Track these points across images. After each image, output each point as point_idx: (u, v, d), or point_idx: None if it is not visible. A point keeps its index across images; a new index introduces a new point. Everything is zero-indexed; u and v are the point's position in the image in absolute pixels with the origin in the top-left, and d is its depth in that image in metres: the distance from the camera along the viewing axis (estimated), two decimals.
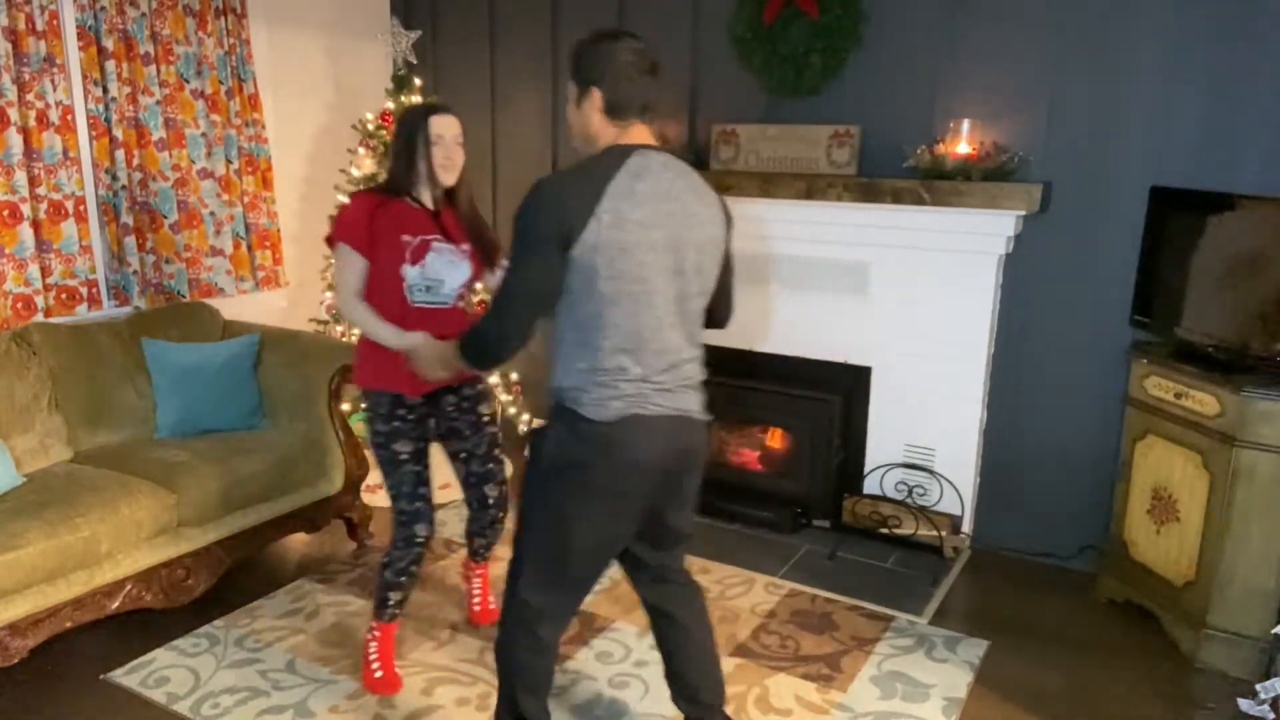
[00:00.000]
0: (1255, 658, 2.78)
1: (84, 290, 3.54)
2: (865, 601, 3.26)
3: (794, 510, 3.84)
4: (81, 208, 3.51)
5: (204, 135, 3.88)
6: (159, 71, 3.69)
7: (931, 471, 3.71)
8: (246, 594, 3.24)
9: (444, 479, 4.17)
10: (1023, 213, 3.34)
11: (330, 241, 2.62)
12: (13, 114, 3.26)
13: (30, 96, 3.31)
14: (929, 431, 3.70)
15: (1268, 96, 3.00)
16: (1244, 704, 2.60)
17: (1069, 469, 3.50)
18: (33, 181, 3.35)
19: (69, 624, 2.75)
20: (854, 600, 3.27)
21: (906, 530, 3.62)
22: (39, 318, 3.39)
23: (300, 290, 4.41)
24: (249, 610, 3.15)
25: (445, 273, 2.59)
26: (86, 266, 3.54)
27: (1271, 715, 2.49)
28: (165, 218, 3.77)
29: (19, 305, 3.34)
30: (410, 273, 2.54)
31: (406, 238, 2.53)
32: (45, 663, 2.81)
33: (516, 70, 4.50)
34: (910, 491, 3.73)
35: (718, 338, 4.04)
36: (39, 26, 3.30)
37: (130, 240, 3.65)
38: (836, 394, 3.80)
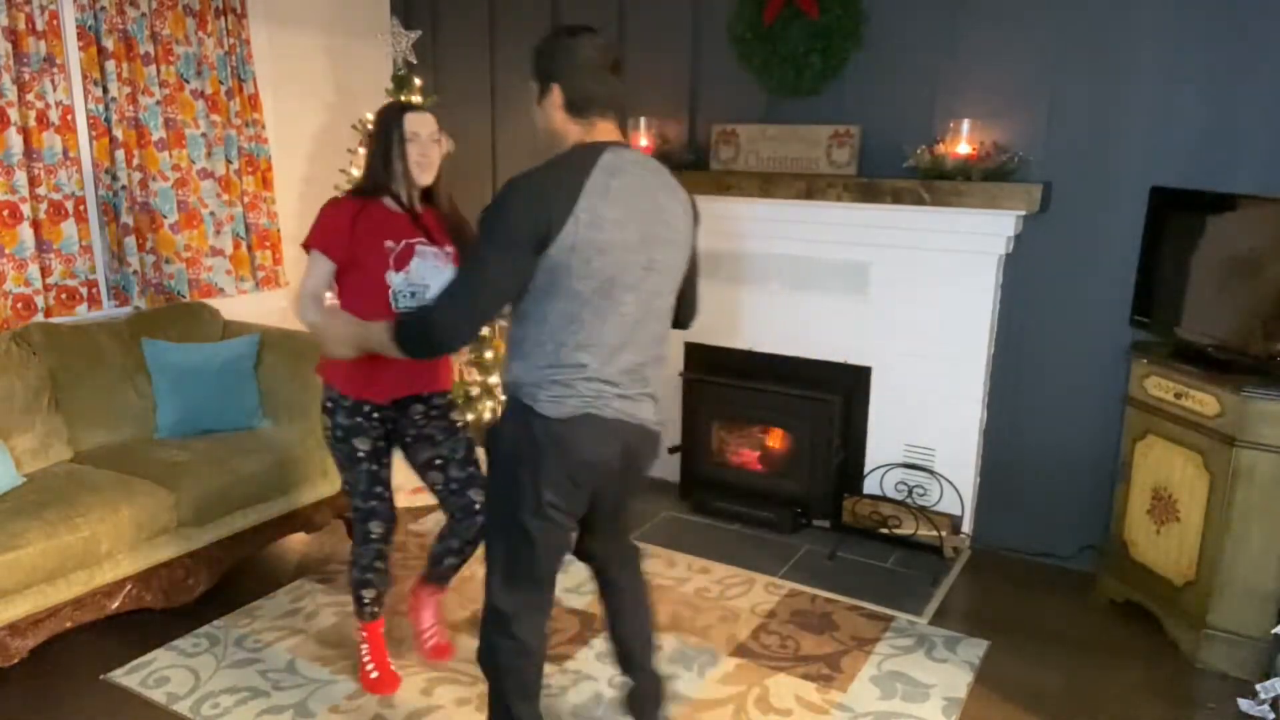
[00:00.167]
0: (1255, 658, 2.78)
1: (84, 290, 3.54)
2: (865, 601, 3.26)
3: (794, 510, 3.84)
4: (81, 208, 3.51)
5: (204, 135, 3.88)
6: (159, 71, 3.69)
7: (931, 471, 3.71)
8: (246, 594, 3.24)
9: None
10: (1023, 213, 3.34)
11: (306, 246, 2.53)
12: (13, 114, 3.26)
13: (30, 96, 3.31)
14: (929, 431, 3.70)
15: (1268, 96, 3.00)
16: (1244, 704, 2.60)
17: (1069, 469, 3.50)
18: (33, 181, 3.35)
19: (69, 624, 2.75)
20: (854, 600, 3.27)
21: (906, 530, 3.62)
22: (39, 318, 3.39)
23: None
24: (249, 610, 3.15)
25: (430, 277, 2.52)
26: (86, 266, 3.54)
27: (1271, 715, 2.49)
28: (165, 218, 3.77)
29: (19, 305, 3.34)
30: (395, 279, 2.48)
31: (389, 243, 2.47)
32: (45, 663, 2.81)
33: (516, 70, 4.50)
34: (910, 491, 3.73)
35: (718, 338, 4.07)
36: (39, 26, 3.30)
37: (130, 240, 3.65)
38: (836, 394, 3.80)
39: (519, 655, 2.10)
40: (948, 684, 2.79)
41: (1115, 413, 3.30)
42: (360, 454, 2.57)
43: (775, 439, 4.02)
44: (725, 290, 4.01)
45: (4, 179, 3.26)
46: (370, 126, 2.53)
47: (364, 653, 2.76)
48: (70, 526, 2.68)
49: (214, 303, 3.88)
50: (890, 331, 3.70)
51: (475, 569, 3.45)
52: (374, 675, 2.73)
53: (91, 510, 2.75)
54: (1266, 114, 3.00)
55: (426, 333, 1.92)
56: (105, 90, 3.54)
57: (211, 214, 3.95)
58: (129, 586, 2.89)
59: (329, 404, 2.56)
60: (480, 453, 2.75)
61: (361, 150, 4.09)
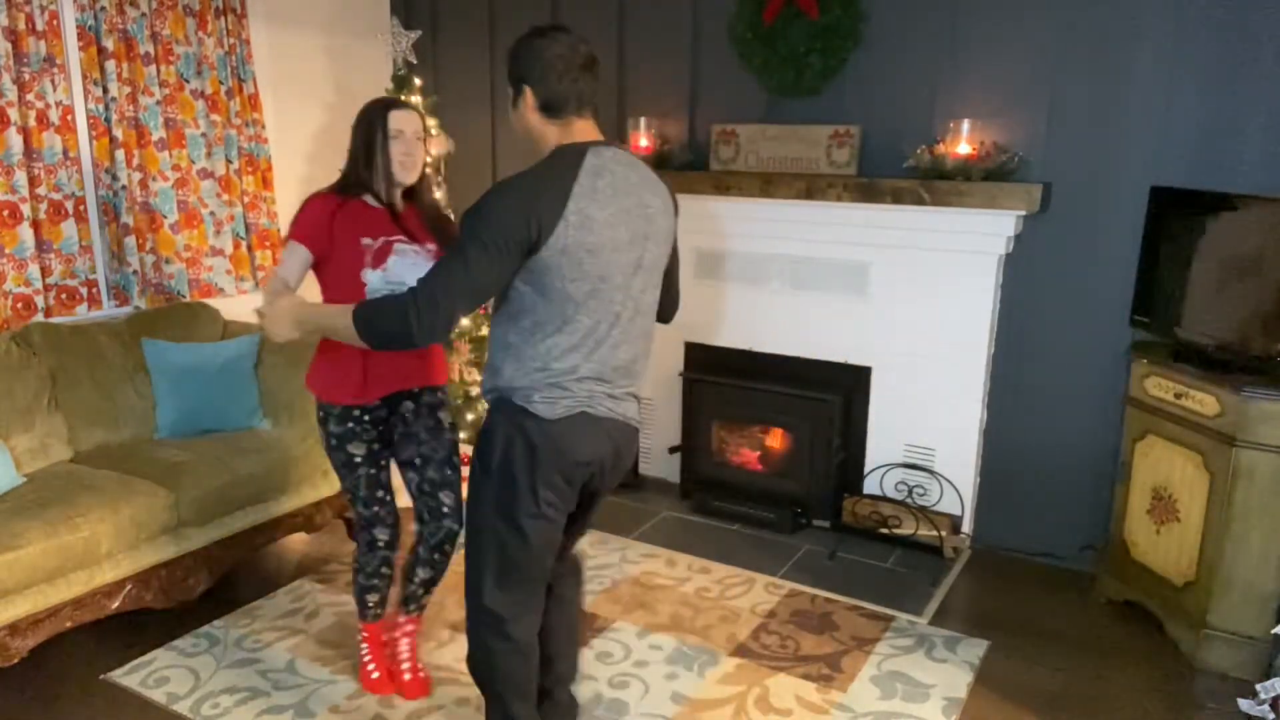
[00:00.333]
0: (1255, 658, 2.78)
1: (84, 290, 3.54)
2: (865, 601, 3.26)
3: (794, 510, 3.84)
4: (81, 208, 3.51)
5: (204, 135, 3.88)
6: (159, 71, 3.69)
7: (931, 471, 3.71)
8: (246, 594, 3.24)
9: None
10: (1023, 213, 3.34)
11: (287, 238, 2.50)
12: (13, 114, 3.26)
13: (30, 96, 3.31)
14: (929, 431, 3.70)
15: (1268, 96, 3.00)
16: (1244, 704, 2.60)
17: (1069, 469, 3.50)
18: (33, 181, 3.35)
19: (69, 624, 2.75)
20: (854, 600, 3.27)
21: (906, 530, 3.62)
22: (39, 318, 3.39)
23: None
24: (249, 610, 3.15)
25: (408, 275, 2.44)
26: (86, 266, 3.54)
27: (1271, 715, 2.49)
28: (165, 218, 3.77)
29: (19, 305, 3.34)
30: (371, 277, 2.44)
31: (367, 240, 2.44)
32: (45, 663, 2.81)
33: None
34: (910, 491, 3.73)
35: (718, 338, 4.07)
36: (39, 26, 3.30)
37: (130, 240, 3.65)
38: (836, 394, 3.79)
39: (516, 655, 2.09)
40: (948, 684, 2.79)
41: (1115, 413, 3.30)
42: (357, 459, 2.55)
43: (775, 439, 4.02)
44: (725, 290, 4.01)
45: (4, 179, 3.26)
46: (354, 121, 2.48)
47: (365, 653, 2.76)
48: (70, 526, 2.68)
49: (214, 303, 3.88)
50: (890, 331, 3.70)
51: None
52: (375, 675, 2.73)
53: (91, 510, 2.75)
54: (1266, 114, 3.00)
55: (394, 325, 1.86)
56: (105, 90, 3.54)
57: (211, 214, 3.95)
58: (129, 586, 2.89)
59: (321, 414, 2.55)
60: (466, 453, 2.73)
61: None
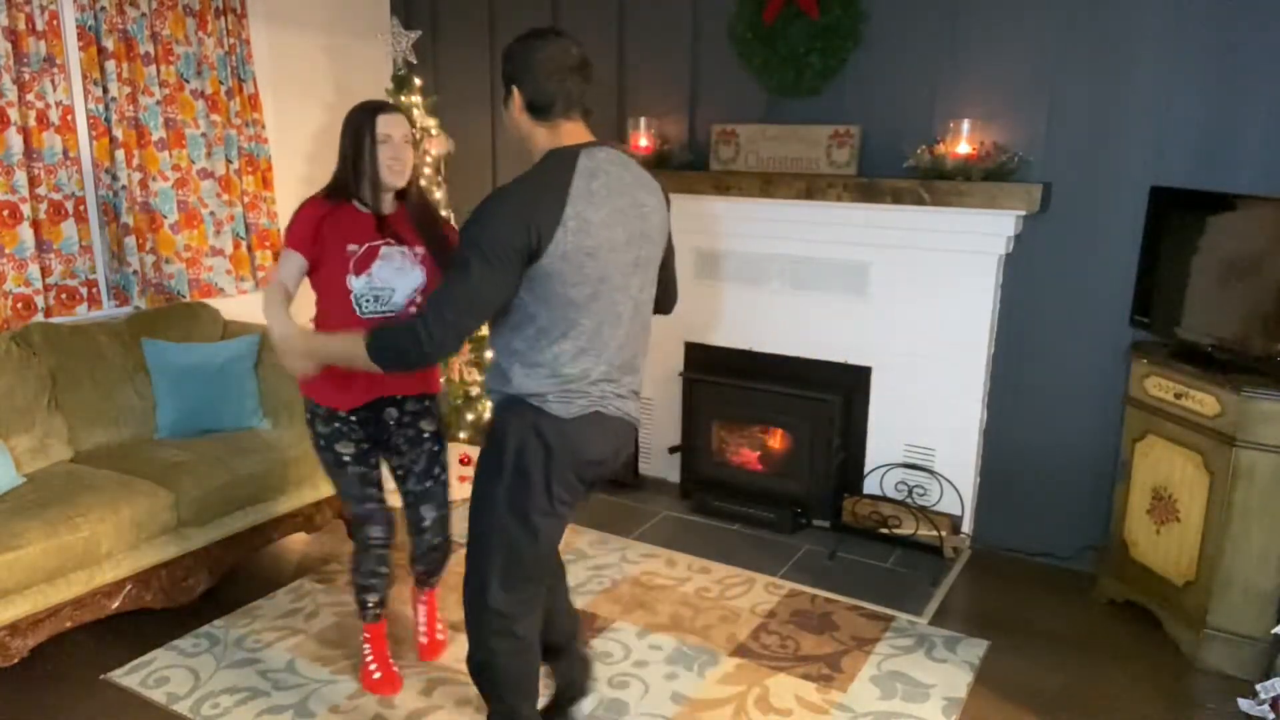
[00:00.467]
0: (1255, 658, 2.78)
1: (84, 290, 3.54)
2: (865, 601, 3.26)
3: (794, 510, 3.84)
4: (81, 208, 3.51)
5: (204, 135, 3.88)
6: (159, 71, 3.69)
7: (931, 471, 3.71)
8: (246, 594, 3.24)
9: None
10: (1023, 213, 3.34)
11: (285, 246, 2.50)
12: (13, 114, 3.26)
13: (30, 96, 3.31)
14: (929, 431, 3.70)
15: (1268, 96, 3.00)
16: (1244, 704, 2.60)
17: (1069, 469, 3.50)
18: (33, 181, 3.35)
19: (69, 624, 2.75)
20: (854, 600, 3.27)
21: (906, 530, 3.62)
22: (39, 318, 3.39)
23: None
24: (249, 610, 3.15)
25: (395, 280, 2.45)
26: (86, 266, 3.54)
27: (1271, 715, 2.49)
28: (165, 218, 3.76)
29: (19, 305, 3.34)
30: (356, 283, 2.42)
31: (352, 247, 2.42)
32: (45, 663, 2.81)
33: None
34: (910, 491, 3.73)
35: (718, 338, 4.07)
36: (39, 26, 3.30)
37: (130, 240, 3.65)
38: (836, 394, 3.79)
39: (521, 654, 2.10)
40: (948, 684, 2.79)
41: (1115, 413, 3.30)
42: (345, 458, 2.55)
43: (775, 439, 4.02)
44: (725, 290, 4.01)
45: (4, 179, 3.26)
46: (342, 126, 2.48)
47: (366, 653, 2.76)
48: (70, 526, 2.68)
49: (214, 303, 3.88)
50: (890, 331, 3.70)
51: None
52: (376, 675, 2.73)
53: (91, 510, 2.75)
54: (1266, 114, 3.00)
55: (406, 347, 1.89)
56: (105, 90, 3.54)
57: (211, 214, 3.94)
58: (129, 586, 2.89)
59: (309, 415, 2.56)
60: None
61: None
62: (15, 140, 3.27)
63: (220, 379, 3.44)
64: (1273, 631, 2.69)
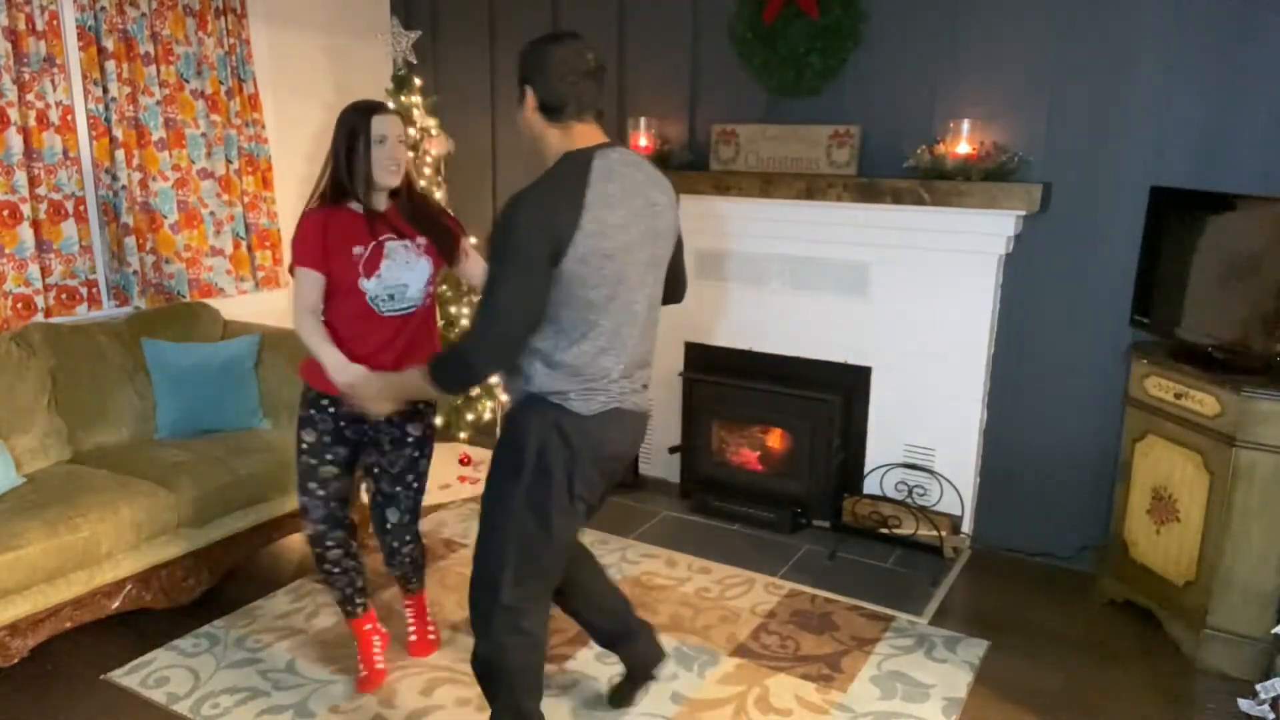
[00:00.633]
0: (1255, 658, 2.78)
1: (84, 290, 3.54)
2: (865, 601, 3.26)
3: (794, 510, 3.84)
4: (81, 208, 3.51)
5: (204, 135, 3.88)
6: (159, 71, 3.69)
7: (931, 471, 3.71)
8: (246, 594, 3.24)
9: (444, 479, 4.18)
10: (1023, 213, 3.34)
11: (292, 268, 2.50)
12: (13, 114, 3.26)
13: (30, 96, 3.31)
14: (929, 431, 3.70)
15: (1268, 96, 3.00)
16: (1244, 704, 2.60)
17: (1069, 469, 3.50)
18: (33, 181, 3.35)
19: (69, 624, 2.75)
20: (854, 600, 3.27)
21: (906, 530, 3.62)
22: (39, 318, 3.39)
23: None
24: (249, 610, 3.15)
25: (405, 275, 2.48)
26: (86, 266, 3.54)
27: (1271, 715, 2.49)
28: (165, 218, 3.77)
29: (19, 305, 3.34)
30: (369, 285, 2.44)
31: (358, 250, 2.44)
32: (45, 663, 2.81)
33: (516, 70, 4.49)
34: (910, 491, 3.73)
35: (718, 338, 4.07)
36: (39, 26, 3.30)
37: (130, 240, 3.65)
38: (836, 394, 3.79)
39: (530, 649, 2.12)
40: (948, 684, 2.79)
41: (1115, 413, 3.30)
42: (303, 445, 2.57)
43: (775, 439, 4.02)
44: (726, 290, 4.01)
45: (4, 179, 3.26)
46: (335, 126, 2.48)
47: (357, 650, 2.80)
48: (70, 526, 2.68)
49: (214, 303, 3.88)
50: (890, 331, 3.70)
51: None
52: (362, 674, 2.76)
53: (91, 510, 2.75)
54: (1266, 114, 3.00)
55: (462, 367, 1.96)
56: (105, 90, 3.54)
57: (211, 214, 3.95)
58: (129, 586, 2.89)
59: (300, 401, 2.59)
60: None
61: None
62: (15, 140, 3.27)
63: (220, 379, 3.44)
64: (1273, 631, 2.69)
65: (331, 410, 2.54)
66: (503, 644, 2.09)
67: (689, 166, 3.98)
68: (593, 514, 2.25)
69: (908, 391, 3.71)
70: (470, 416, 4.29)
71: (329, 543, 2.60)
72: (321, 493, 2.58)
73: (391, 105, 4.08)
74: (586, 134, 1.97)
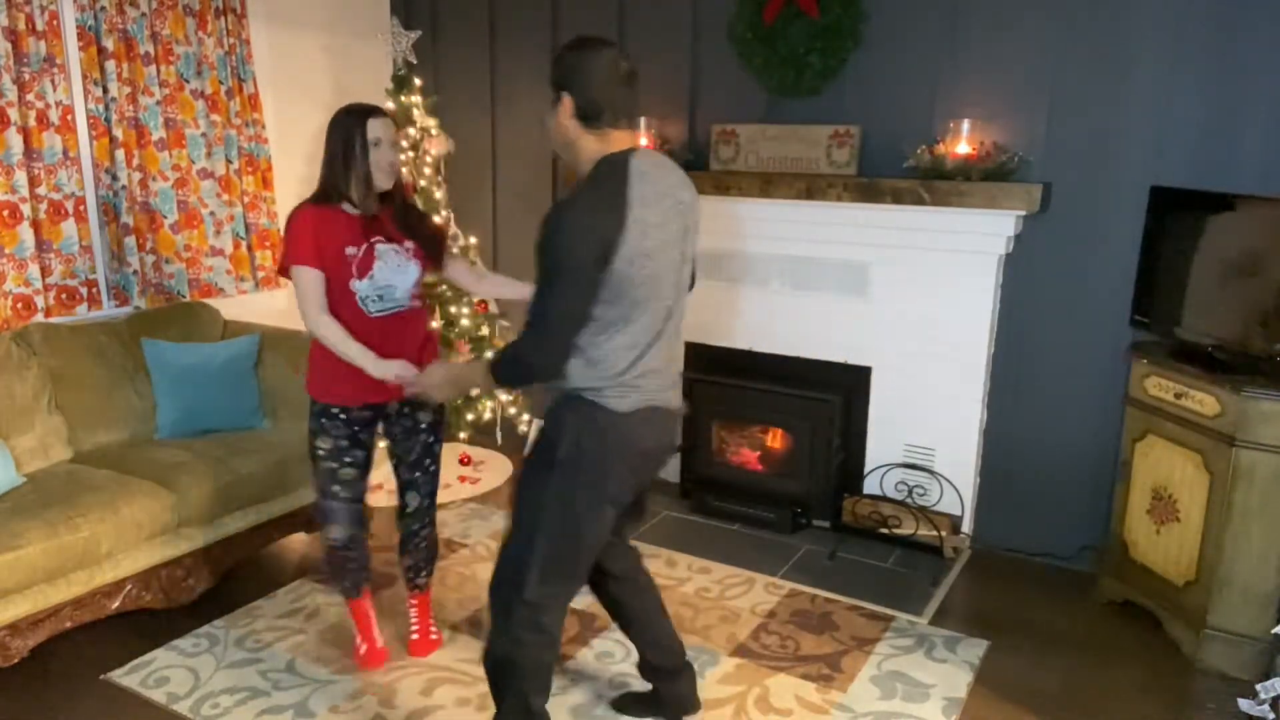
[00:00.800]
0: (1255, 658, 2.78)
1: (84, 290, 3.54)
2: (865, 601, 3.26)
3: (794, 510, 3.84)
4: (81, 208, 3.51)
5: (204, 135, 3.88)
6: (159, 71, 3.69)
7: (931, 471, 3.71)
8: (246, 594, 3.24)
9: (444, 480, 4.18)
10: (1023, 213, 3.34)
11: (283, 270, 2.53)
12: (13, 114, 3.26)
13: (30, 96, 3.31)
14: (929, 431, 3.70)
15: (1268, 96, 3.00)
16: (1244, 704, 2.60)
17: (1069, 469, 3.50)
18: (33, 181, 3.35)
19: (69, 624, 2.76)
20: (854, 600, 3.27)
21: (906, 530, 3.62)
22: (39, 318, 3.39)
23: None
24: (249, 610, 3.15)
25: (394, 277, 2.54)
26: (86, 266, 3.54)
27: (1271, 715, 2.49)
28: (165, 218, 3.76)
29: (19, 305, 3.34)
30: (360, 286, 2.50)
31: (350, 250, 2.48)
32: (45, 663, 2.81)
33: (516, 70, 4.50)
34: (910, 491, 3.73)
35: (718, 338, 4.07)
36: (39, 26, 3.30)
37: (130, 240, 3.65)
38: (836, 394, 3.79)
39: (546, 648, 2.14)
40: (948, 684, 2.79)
41: (1115, 413, 3.30)
42: (320, 452, 2.62)
43: (775, 439, 4.02)
44: (726, 290, 4.01)
45: (4, 179, 3.26)
46: (328, 128, 2.52)
47: (353, 628, 2.86)
48: (70, 526, 2.68)
49: (214, 303, 3.88)
50: (890, 331, 3.70)
51: (475, 569, 3.46)
52: (362, 650, 2.82)
53: (91, 510, 2.75)
54: (1266, 114, 3.00)
55: (520, 366, 2.02)
56: (105, 90, 3.54)
57: (211, 214, 3.94)
58: (129, 586, 2.89)
59: (310, 412, 2.64)
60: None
61: None
62: (15, 140, 3.27)
63: (220, 379, 3.44)
64: (1273, 631, 2.69)
65: (343, 417, 2.60)
66: (521, 640, 2.10)
67: (689, 166, 3.94)
68: (633, 518, 2.30)
69: (908, 391, 3.71)
70: (470, 416, 4.28)
71: (351, 543, 2.70)
72: (345, 494, 2.66)
73: (391, 105, 4.10)
74: (622, 139, 2.01)
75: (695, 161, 3.99)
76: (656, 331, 2.02)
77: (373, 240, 2.51)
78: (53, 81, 3.36)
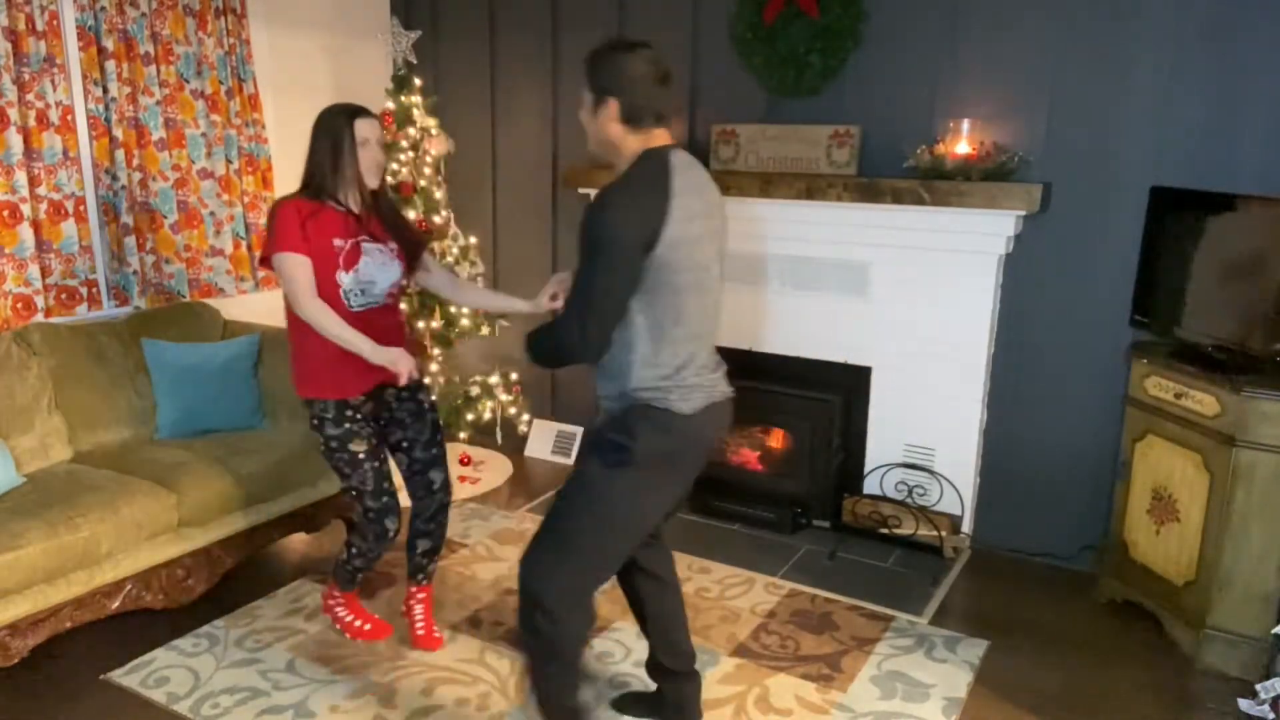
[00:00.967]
0: (1255, 658, 2.78)
1: (84, 290, 3.54)
2: (865, 601, 3.26)
3: (794, 510, 3.84)
4: (81, 208, 3.51)
5: (204, 135, 3.88)
6: (159, 71, 3.69)
7: (931, 471, 3.71)
8: (246, 594, 3.24)
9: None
10: (1023, 213, 3.34)
11: (266, 259, 2.56)
12: (13, 114, 3.26)
13: (30, 96, 3.31)
14: (929, 431, 3.70)
15: (1268, 96, 3.00)
16: (1244, 704, 2.60)
17: (1069, 469, 3.50)
18: (33, 181, 3.35)
19: (69, 624, 2.75)
20: (854, 600, 3.27)
21: (906, 530, 3.62)
22: (39, 318, 3.39)
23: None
24: (249, 610, 3.15)
25: (377, 274, 2.61)
26: (86, 266, 3.54)
27: (1271, 715, 2.49)
28: (165, 218, 3.77)
29: (19, 305, 3.34)
30: (345, 279, 2.55)
31: (338, 242, 2.54)
32: (45, 663, 2.81)
33: (516, 70, 4.50)
34: (910, 491, 3.73)
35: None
36: (39, 26, 3.30)
37: (130, 240, 3.65)
38: (836, 394, 3.80)
39: (588, 624, 2.19)
40: (948, 684, 2.79)
41: (1115, 413, 3.30)
42: (361, 455, 2.64)
43: (775, 439, 4.02)
44: (725, 290, 4.00)
45: (4, 179, 3.25)
46: (315, 127, 2.57)
47: (344, 615, 2.93)
48: (70, 526, 2.68)
49: (214, 303, 3.88)
50: (890, 331, 3.70)
51: (475, 569, 3.46)
52: (367, 628, 2.90)
53: (91, 510, 2.75)
54: (1266, 114, 3.00)
55: (559, 346, 2.03)
56: (105, 90, 3.54)
57: (211, 214, 3.94)
58: (129, 586, 2.89)
59: (315, 420, 2.64)
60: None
61: None
62: (15, 140, 3.27)
63: (220, 379, 3.44)
64: (1273, 631, 2.69)
65: (359, 416, 2.64)
66: (571, 620, 2.13)
67: None
68: (673, 511, 2.34)
69: (908, 391, 3.71)
70: (470, 416, 4.28)
71: (398, 532, 2.76)
72: (393, 488, 2.73)
73: (391, 105, 4.10)
74: (661, 136, 2.05)
75: None
76: (707, 323, 2.09)
77: (360, 237, 2.58)
78: (53, 81, 3.36)
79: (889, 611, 3.20)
